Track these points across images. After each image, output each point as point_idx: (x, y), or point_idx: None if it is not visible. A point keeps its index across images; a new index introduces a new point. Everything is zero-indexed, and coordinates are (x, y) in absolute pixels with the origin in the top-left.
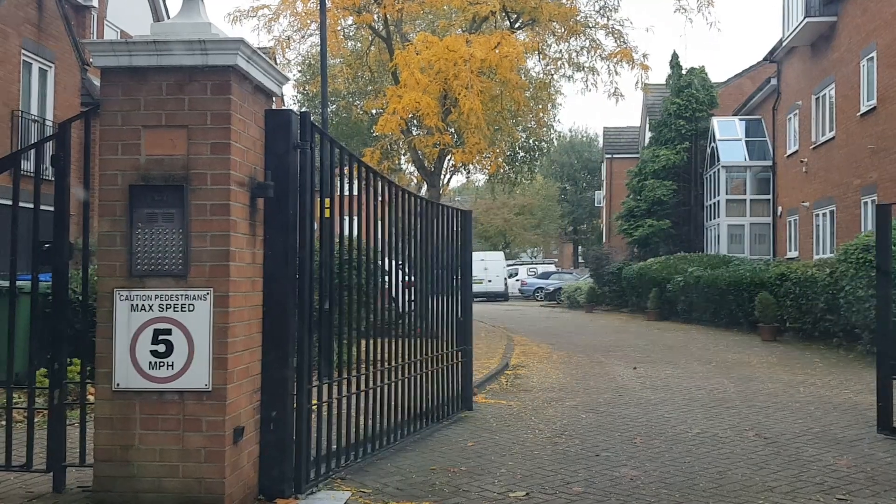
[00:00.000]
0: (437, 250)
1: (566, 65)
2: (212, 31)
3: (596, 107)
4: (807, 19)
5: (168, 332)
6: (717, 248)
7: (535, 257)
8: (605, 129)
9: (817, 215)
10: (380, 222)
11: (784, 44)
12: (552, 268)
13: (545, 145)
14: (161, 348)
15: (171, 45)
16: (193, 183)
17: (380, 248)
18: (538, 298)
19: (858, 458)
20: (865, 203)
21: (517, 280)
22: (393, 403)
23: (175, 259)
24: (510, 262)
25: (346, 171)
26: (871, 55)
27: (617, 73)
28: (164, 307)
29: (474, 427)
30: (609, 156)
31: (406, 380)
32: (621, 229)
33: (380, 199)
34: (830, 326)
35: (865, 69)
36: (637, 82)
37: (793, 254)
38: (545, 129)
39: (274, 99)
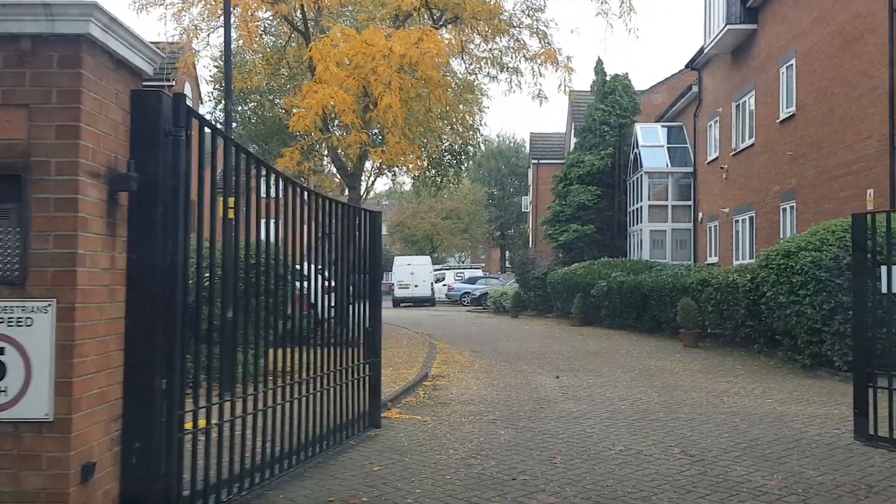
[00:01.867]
0: (342, 253)
1: (490, 64)
2: None
3: (524, 113)
4: (728, 27)
5: (0, 351)
6: (640, 254)
7: (463, 262)
8: (531, 134)
9: (737, 221)
10: (272, 221)
11: (706, 51)
12: (479, 272)
13: (472, 149)
14: None
15: (9, 10)
16: (34, 173)
17: (274, 252)
18: (465, 303)
19: (789, 478)
20: (784, 209)
21: (444, 285)
22: (290, 424)
23: (10, 263)
24: (437, 266)
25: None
26: (790, 62)
27: (541, 75)
28: None
29: (383, 447)
30: (536, 161)
31: (306, 397)
32: (547, 234)
33: (273, 196)
34: (751, 332)
35: (785, 76)
36: (561, 84)
37: (713, 259)
38: (472, 132)
39: (189, 99)
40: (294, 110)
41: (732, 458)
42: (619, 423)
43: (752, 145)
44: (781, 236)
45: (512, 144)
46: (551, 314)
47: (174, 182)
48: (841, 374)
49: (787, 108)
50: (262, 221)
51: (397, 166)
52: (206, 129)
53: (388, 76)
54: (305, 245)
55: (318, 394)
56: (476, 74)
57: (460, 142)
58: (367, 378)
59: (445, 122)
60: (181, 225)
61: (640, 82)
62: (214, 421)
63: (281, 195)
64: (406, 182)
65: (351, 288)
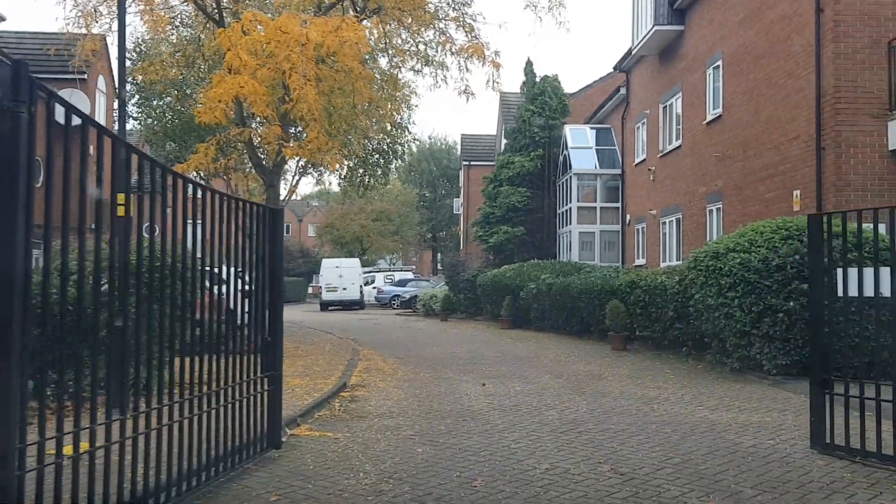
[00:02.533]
0: (237, 254)
1: (415, 58)
2: None
3: (456, 115)
4: (655, 27)
5: None
6: (570, 255)
7: (394, 264)
8: (462, 135)
9: (664, 223)
10: (157, 217)
11: (634, 52)
12: (410, 275)
13: (400, 148)
14: None
15: None
16: None
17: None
18: (395, 306)
19: (727, 499)
20: (711, 211)
21: (374, 287)
22: (170, 450)
23: None
24: (367, 269)
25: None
26: (717, 63)
27: (468, 70)
28: None
29: (284, 472)
30: (466, 163)
31: (189, 419)
32: (477, 236)
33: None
34: (680, 335)
35: (711, 78)
36: (489, 81)
37: (640, 261)
38: (400, 131)
39: (104, 94)
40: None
41: (666, 476)
42: (546, 437)
43: (680, 147)
44: (708, 238)
45: (444, 146)
46: (481, 317)
47: (11, 169)
48: (770, 378)
49: (713, 109)
50: (142, 217)
51: (317, 164)
52: (82, 116)
53: (303, 65)
54: (190, 244)
55: (206, 414)
56: (400, 68)
57: (388, 141)
58: (265, 393)
59: (373, 120)
60: (20, 219)
61: (571, 85)
62: (68, 452)
63: (164, 187)
64: (333, 182)
65: (247, 293)
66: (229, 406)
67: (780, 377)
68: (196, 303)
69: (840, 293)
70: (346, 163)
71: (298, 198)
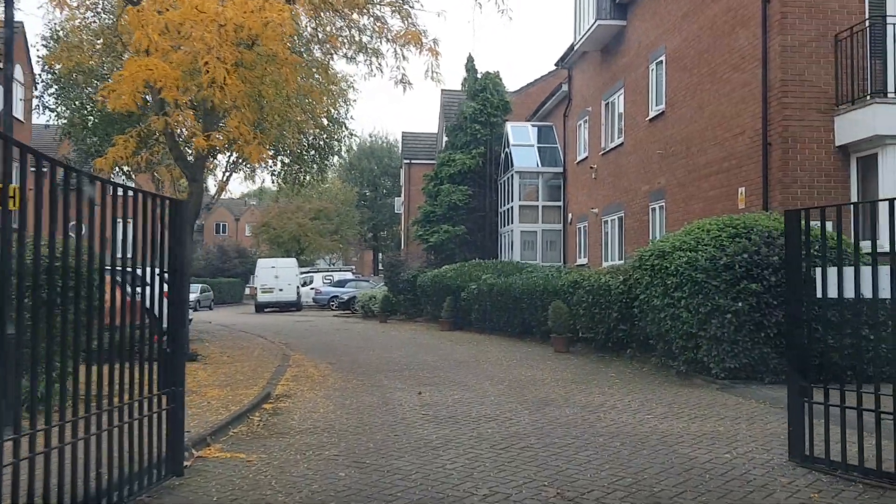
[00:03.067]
0: (134, 252)
1: (348, 44)
2: None
3: (397, 113)
4: (598, 22)
5: None
6: (511, 255)
7: (334, 264)
8: (403, 133)
9: (606, 222)
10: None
11: (576, 48)
12: (349, 275)
13: (337, 144)
14: None
15: None
16: None
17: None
18: (333, 308)
19: None
20: (654, 209)
21: (312, 288)
22: (46, 483)
23: None
24: (305, 269)
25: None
26: (660, 59)
27: (405, 58)
28: None
29: None
30: (408, 161)
31: (72, 444)
32: (417, 235)
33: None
34: (624, 337)
35: (654, 73)
36: (428, 70)
37: (582, 260)
38: (337, 126)
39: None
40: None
41: (617, 501)
42: (485, 455)
43: (622, 144)
44: (651, 237)
45: (385, 144)
46: (421, 318)
47: None
48: (718, 382)
49: (656, 105)
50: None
51: (246, 160)
52: None
53: (220, 47)
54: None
55: (90, 438)
56: (332, 55)
57: (325, 136)
58: (164, 413)
59: (307, 114)
60: None
61: (513, 83)
62: None
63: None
64: (268, 180)
65: (141, 293)
66: (116, 430)
67: (728, 381)
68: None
69: (819, 294)
70: (280, 158)
71: (236, 196)
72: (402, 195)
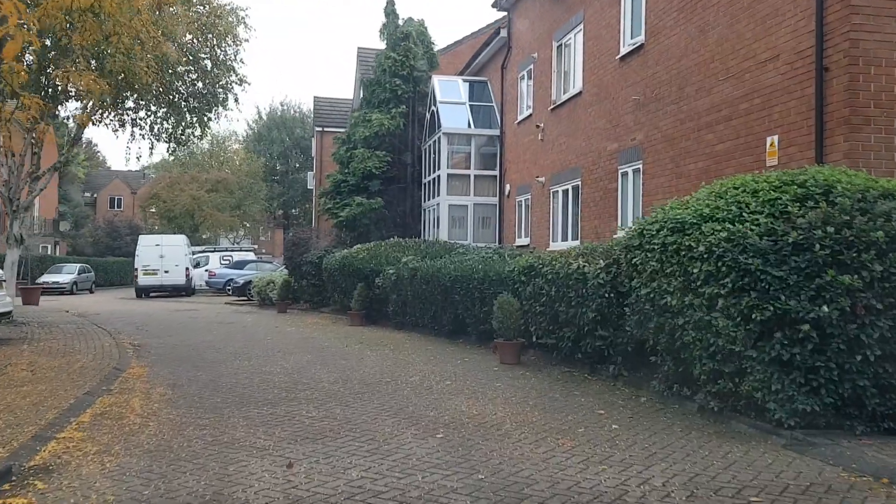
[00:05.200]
0: None
1: None
2: None
3: (312, 80)
4: None
5: None
6: (437, 233)
7: (239, 243)
8: (315, 98)
9: (555, 193)
10: None
11: None
12: (251, 255)
13: (222, 91)
14: None
15: None
16: None
17: None
18: (230, 293)
19: None
20: (625, 174)
21: (206, 270)
22: None
23: None
24: (200, 248)
25: None
26: None
27: None
28: None
29: None
30: (320, 129)
31: None
32: (325, 209)
33: None
34: (604, 347)
35: None
36: None
37: (523, 241)
38: (224, 70)
39: None
40: None
41: None
42: None
43: (580, 94)
44: (621, 210)
45: (297, 114)
46: (327, 309)
47: None
48: (783, 434)
49: (631, 38)
50: None
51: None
52: None
53: None
54: None
55: None
56: None
57: (207, 82)
58: None
59: (175, 44)
60: None
61: (441, 40)
62: None
63: None
64: (142, 143)
65: None
66: None
67: (801, 432)
68: None
69: None
70: (145, 104)
71: (134, 168)
72: (314, 167)
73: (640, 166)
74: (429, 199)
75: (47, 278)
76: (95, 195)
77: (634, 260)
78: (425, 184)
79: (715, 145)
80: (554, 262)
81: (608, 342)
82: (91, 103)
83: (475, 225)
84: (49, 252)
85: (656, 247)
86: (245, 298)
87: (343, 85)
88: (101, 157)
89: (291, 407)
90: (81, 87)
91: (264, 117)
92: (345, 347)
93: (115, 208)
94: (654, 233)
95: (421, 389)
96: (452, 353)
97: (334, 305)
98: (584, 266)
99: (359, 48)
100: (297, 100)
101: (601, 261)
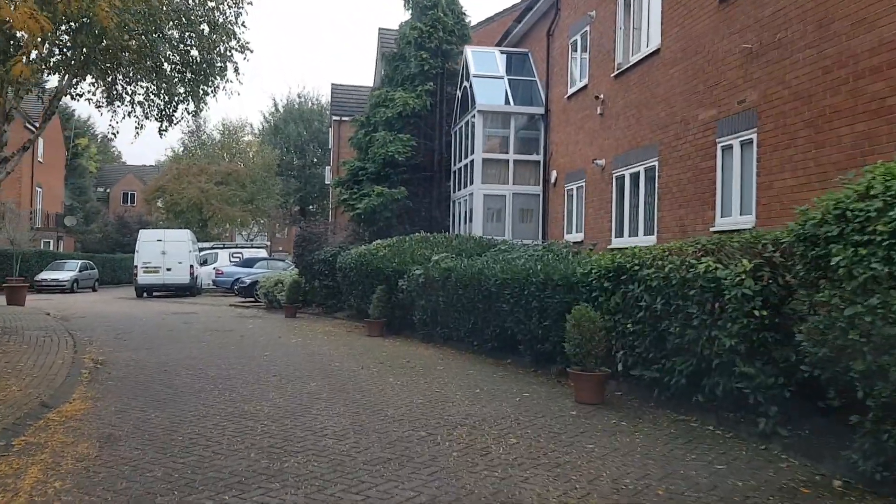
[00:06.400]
0: None
1: None
2: None
3: (334, 72)
4: None
5: None
6: (469, 228)
7: (253, 240)
8: (333, 86)
9: (620, 178)
10: None
11: None
12: (263, 252)
13: (220, 61)
14: None
15: None
16: None
17: None
18: (237, 293)
19: None
20: (728, 147)
21: (214, 268)
22: None
23: None
24: (208, 244)
25: None
26: None
27: None
28: None
29: None
30: (337, 118)
31: None
32: (341, 200)
33: None
34: (749, 391)
35: None
36: None
37: (574, 237)
38: (222, 34)
39: None
40: None
41: None
42: None
43: (657, 52)
44: (722, 196)
45: (315, 106)
46: (343, 313)
47: None
48: None
49: None
50: None
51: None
52: None
53: None
54: None
55: None
56: None
57: (202, 50)
58: None
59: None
60: None
61: (475, 15)
62: None
63: None
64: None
65: None
66: None
67: None
68: None
69: None
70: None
71: (150, 163)
72: (332, 159)
73: (754, 136)
74: (460, 189)
75: (46, 275)
76: (108, 190)
77: (826, 259)
78: (455, 171)
79: (885, 98)
80: (661, 262)
81: (756, 384)
82: (35, 54)
83: (514, 218)
84: (52, 248)
85: (882, 237)
86: (252, 300)
87: (363, 76)
88: (115, 152)
89: (270, 496)
90: (9, 21)
91: (280, 109)
92: (360, 370)
93: (129, 203)
94: (871, 214)
95: (472, 453)
96: (503, 382)
97: (349, 310)
98: (716, 268)
99: (380, 29)
100: (316, 91)
101: (745, 262)
